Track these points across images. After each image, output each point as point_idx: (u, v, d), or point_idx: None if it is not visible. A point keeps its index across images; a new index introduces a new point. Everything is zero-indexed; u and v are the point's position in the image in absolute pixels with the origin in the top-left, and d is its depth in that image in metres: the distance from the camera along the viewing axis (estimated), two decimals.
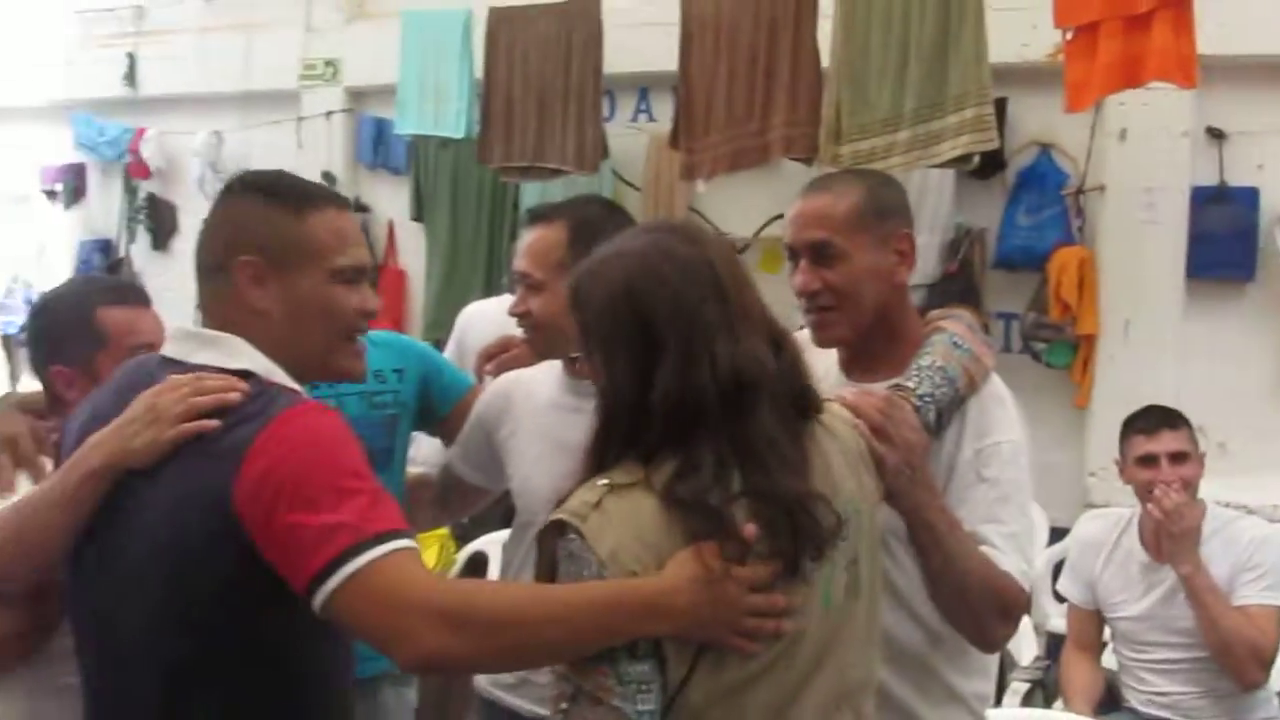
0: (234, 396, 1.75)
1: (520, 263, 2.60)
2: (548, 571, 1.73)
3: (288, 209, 1.89)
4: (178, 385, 1.77)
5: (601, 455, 1.78)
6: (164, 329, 2.33)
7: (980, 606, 2.03)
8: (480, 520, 4.39)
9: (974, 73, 4.93)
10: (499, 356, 2.84)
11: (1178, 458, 3.55)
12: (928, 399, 2.08)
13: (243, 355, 1.84)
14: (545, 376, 2.64)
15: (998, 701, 3.64)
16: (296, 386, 1.87)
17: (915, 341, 2.21)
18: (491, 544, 4.49)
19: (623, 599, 1.63)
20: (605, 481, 1.71)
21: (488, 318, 3.65)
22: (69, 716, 2.03)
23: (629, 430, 1.75)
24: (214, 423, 1.73)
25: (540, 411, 2.58)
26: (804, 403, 1.81)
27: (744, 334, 1.74)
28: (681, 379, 1.70)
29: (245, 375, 1.81)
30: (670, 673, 1.68)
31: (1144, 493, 3.57)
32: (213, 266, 1.90)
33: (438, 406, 2.85)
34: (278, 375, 1.85)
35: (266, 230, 1.87)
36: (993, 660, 2.33)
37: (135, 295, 2.46)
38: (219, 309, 1.90)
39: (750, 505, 1.68)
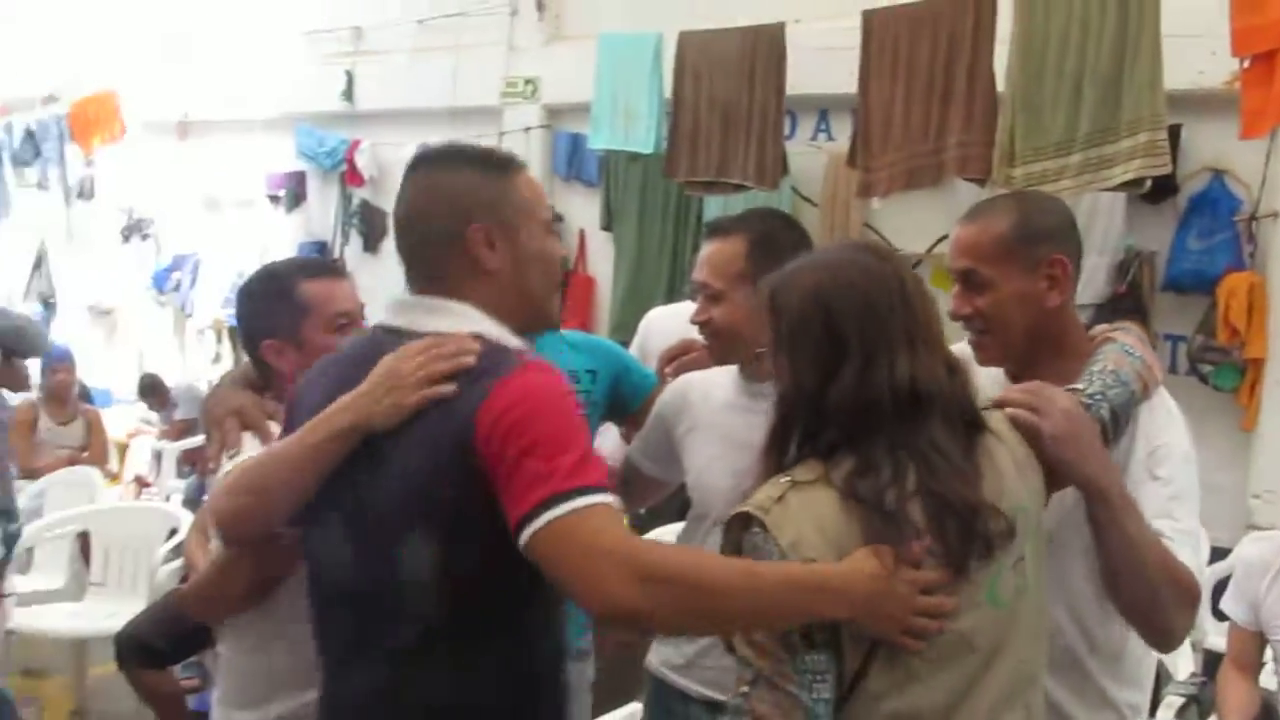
0: (469, 359, 1.78)
1: (700, 274, 2.62)
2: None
3: (499, 173, 1.94)
4: (416, 351, 1.80)
5: (781, 451, 1.84)
6: (359, 298, 2.48)
7: (1159, 590, 1.94)
8: (656, 513, 4.50)
9: (1148, 98, 4.88)
10: (680, 359, 2.88)
11: None
12: (1098, 397, 2.05)
13: (472, 320, 1.86)
14: (722, 378, 2.67)
15: (1151, 715, 3.66)
16: (522, 345, 1.90)
17: (1083, 356, 2.17)
18: (667, 535, 4.65)
19: (805, 578, 1.68)
20: (788, 479, 1.77)
21: (669, 322, 3.69)
22: (294, 661, 2.14)
23: (807, 428, 1.82)
24: (452, 387, 1.76)
25: (717, 411, 2.62)
26: (973, 418, 1.85)
27: (923, 350, 1.80)
28: (860, 382, 1.76)
29: (475, 338, 1.83)
30: (846, 663, 1.72)
31: None
32: (441, 237, 1.89)
33: (627, 403, 2.94)
34: (507, 338, 1.87)
35: (490, 195, 1.90)
36: (1148, 672, 2.30)
37: (330, 269, 2.55)
38: (447, 277, 1.89)
39: (923, 507, 1.73)
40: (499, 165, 1.96)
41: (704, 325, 2.63)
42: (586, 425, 1.86)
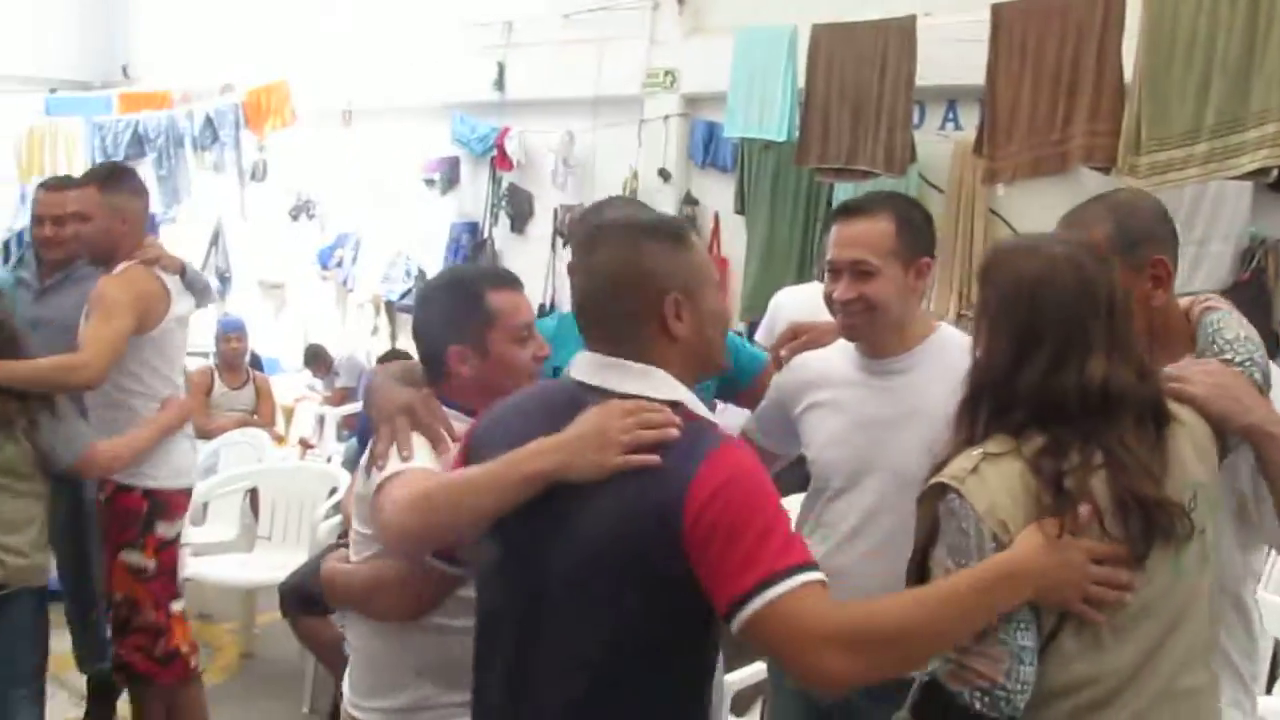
0: (674, 433, 1.78)
1: (852, 251, 2.54)
2: (928, 527, 1.85)
3: (680, 243, 1.94)
4: (624, 412, 1.80)
5: (971, 421, 1.90)
6: (534, 311, 2.51)
7: None
8: (776, 483, 4.58)
9: (1277, 89, 4.81)
10: (794, 342, 2.82)
11: None
12: (1248, 363, 2.09)
13: (668, 385, 1.87)
14: (841, 357, 2.66)
15: (1269, 689, 3.55)
16: (711, 416, 1.95)
17: (1187, 337, 2.19)
18: (790, 505, 4.72)
19: (986, 577, 1.72)
20: (980, 451, 1.83)
21: (798, 301, 3.74)
22: (433, 652, 2.22)
23: (998, 405, 1.87)
24: (656, 459, 1.76)
25: (838, 388, 2.62)
26: (1161, 414, 1.89)
27: (1117, 357, 1.84)
28: (1045, 377, 1.83)
29: (673, 405, 1.84)
30: (1043, 620, 1.78)
31: None
32: (635, 309, 1.88)
33: (739, 380, 2.92)
34: (698, 406, 1.90)
35: (677, 267, 1.90)
36: (1263, 646, 2.32)
37: (513, 279, 2.47)
38: (637, 340, 1.88)
39: (1110, 498, 1.79)
40: (677, 236, 1.96)
41: (853, 301, 2.53)
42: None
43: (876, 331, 2.58)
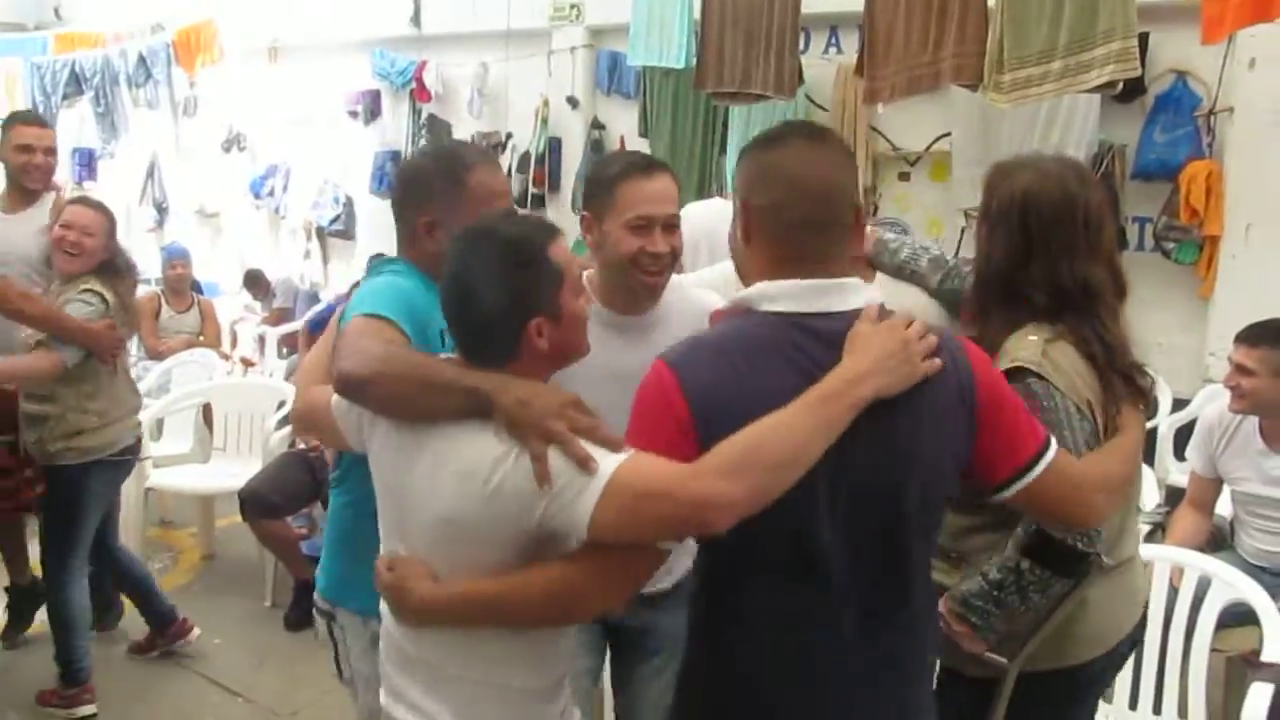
0: (934, 339, 1.67)
1: (663, 208, 2.26)
2: None
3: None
4: (905, 324, 1.66)
5: (984, 305, 2.13)
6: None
7: None
8: None
9: (1121, 11, 4.83)
10: None
11: (1241, 370, 3.50)
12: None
13: (871, 292, 1.73)
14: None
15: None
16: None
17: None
18: None
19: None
20: (1034, 337, 2.01)
21: (702, 215, 3.71)
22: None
23: (1003, 295, 2.08)
24: (939, 363, 1.64)
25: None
26: (1122, 297, 2.12)
27: (1094, 258, 2.06)
28: (1049, 274, 2.03)
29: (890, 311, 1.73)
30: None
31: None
32: (838, 219, 1.69)
33: None
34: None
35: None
36: None
37: (556, 229, 1.99)
38: (842, 256, 1.71)
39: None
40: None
41: (665, 256, 2.27)
42: None
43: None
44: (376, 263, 2.31)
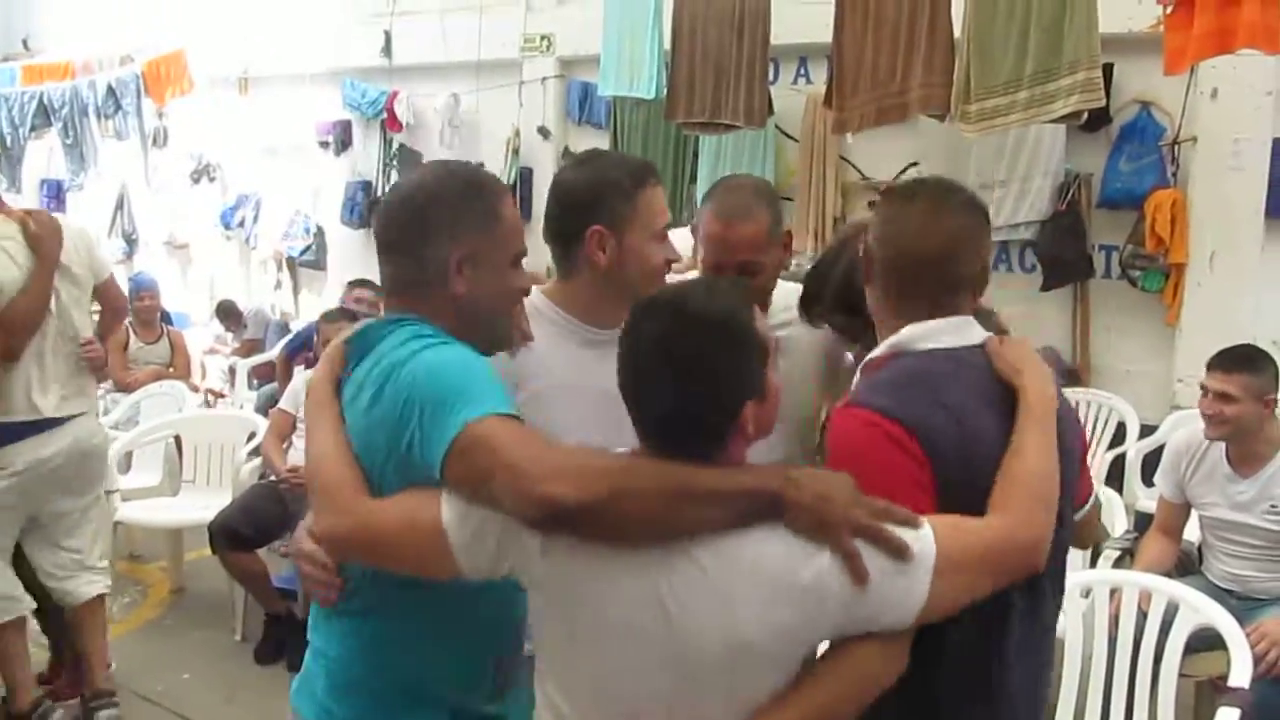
0: None
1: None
2: None
3: None
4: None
5: None
6: None
7: None
8: None
9: (1085, 41, 4.91)
10: None
11: (1222, 397, 3.51)
12: None
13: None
14: (558, 337, 2.15)
15: (1092, 564, 3.78)
16: None
17: None
18: None
19: None
20: None
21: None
22: None
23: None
24: None
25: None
26: None
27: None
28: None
29: None
30: None
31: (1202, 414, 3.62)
32: (959, 276, 1.73)
33: None
34: None
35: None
36: None
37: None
38: (966, 302, 1.74)
39: None
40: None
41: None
42: None
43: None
44: (398, 325, 1.74)
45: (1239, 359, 3.57)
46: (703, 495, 1.44)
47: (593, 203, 2.07)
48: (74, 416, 3.80)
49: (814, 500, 1.43)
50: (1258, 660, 3.08)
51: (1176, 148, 5.68)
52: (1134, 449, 5.34)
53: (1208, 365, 3.62)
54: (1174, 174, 5.69)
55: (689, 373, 1.48)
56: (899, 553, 1.43)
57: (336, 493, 1.64)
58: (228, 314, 9.34)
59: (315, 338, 5.30)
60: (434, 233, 1.75)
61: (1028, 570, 1.54)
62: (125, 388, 6.64)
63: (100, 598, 4.00)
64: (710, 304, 1.53)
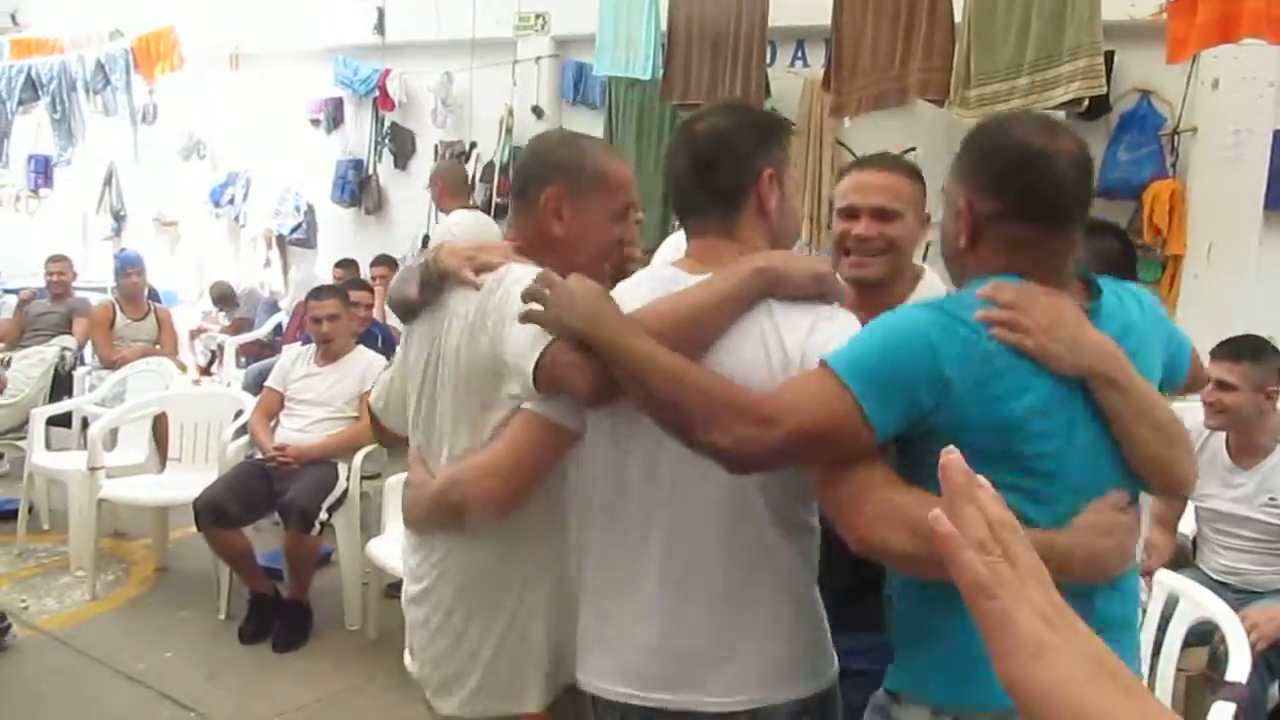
0: None
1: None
2: None
3: None
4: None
5: None
6: None
7: None
8: None
9: (1087, 28, 4.91)
10: None
11: (1221, 385, 3.50)
12: None
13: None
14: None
15: None
16: None
17: None
18: None
19: None
20: None
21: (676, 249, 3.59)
22: None
23: None
24: None
25: None
26: None
27: None
28: None
29: None
30: None
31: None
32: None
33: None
34: None
35: None
36: None
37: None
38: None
39: None
40: None
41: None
42: None
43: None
44: None
45: (1243, 348, 3.58)
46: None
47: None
48: None
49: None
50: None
51: (1176, 138, 5.64)
52: None
53: (1211, 353, 3.59)
54: (1173, 164, 5.65)
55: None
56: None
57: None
58: (223, 297, 9.36)
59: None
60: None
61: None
62: (111, 364, 6.59)
63: None
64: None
